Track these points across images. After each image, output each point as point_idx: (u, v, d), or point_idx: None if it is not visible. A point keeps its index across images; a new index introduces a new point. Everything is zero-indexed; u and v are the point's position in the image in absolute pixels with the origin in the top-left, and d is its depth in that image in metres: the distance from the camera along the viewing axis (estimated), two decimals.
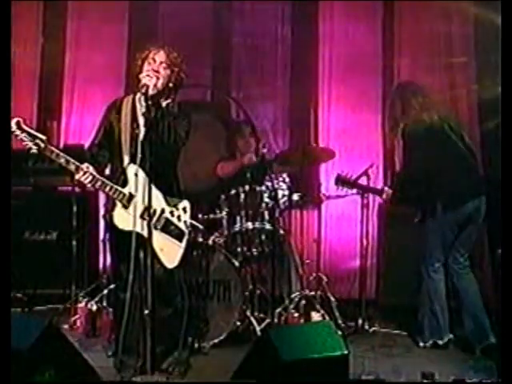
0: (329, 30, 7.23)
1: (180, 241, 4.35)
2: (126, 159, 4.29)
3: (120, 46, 7.05)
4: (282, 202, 5.74)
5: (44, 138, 4.01)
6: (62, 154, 4.07)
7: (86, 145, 4.75)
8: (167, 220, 4.31)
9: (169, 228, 4.32)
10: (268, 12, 7.32)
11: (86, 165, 4.13)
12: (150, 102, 4.11)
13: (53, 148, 4.03)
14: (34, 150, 3.95)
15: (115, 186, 4.22)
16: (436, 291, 5.24)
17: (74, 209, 5.84)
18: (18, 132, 3.94)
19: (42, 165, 6.08)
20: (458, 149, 5.23)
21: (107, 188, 4.19)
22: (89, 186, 4.18)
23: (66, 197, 6.07)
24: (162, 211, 4.30)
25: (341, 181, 5.67)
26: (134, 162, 4.13)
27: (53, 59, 7.10)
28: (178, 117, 4.38)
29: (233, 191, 5.67)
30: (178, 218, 4.37)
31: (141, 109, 4.26)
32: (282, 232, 5.74)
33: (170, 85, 4.34)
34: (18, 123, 3.95)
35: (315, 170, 7.05)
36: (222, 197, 5.72)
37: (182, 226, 4.38)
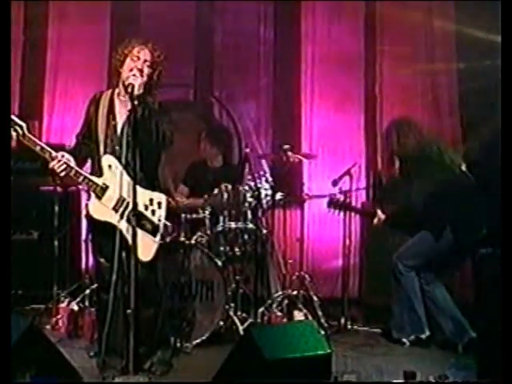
0: (311, 29, 7.26)
1: (154, 235, 4.29)
2: (102, 151, 4.30)
3: (102, 46, 6.99)
4: (264, 201, 5.73)
5: (23, 124, 3.99)
6: (38, 141, 4.06)
7: (68, 144, 4.75)
8: (140, 213, 4.18)
9: (141, 222, 4.20)
10: (250, 11, 7.34)
11: (61, 153, 4.12)
12: (136, 102, 4.06)
13: (30, 136, 4.01)
14: (13, 135, 3.92)
15: (89, 176, 4.21)
16: (413, 287, 5.29)
17: (56, 208, 5.81)
18: None
19: (23, 164, 6.05)
20: (462, 180, 5.27)
21: (81, 178, 4.18)
22: (62, 174, 4.14)
23: (47, 196, 6.04)
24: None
25: (333, 204, 5.71)
26: (109, 153, 4.21)
27: (34, 59, 7.10)
28: (161, 114, 4.35)
29: (215, 191, 5.64)
30: (152, 212, 4.31)
31: (120, 104, 4.30)
32: (264, 231, 5.74)
33: (152, 83, 4.32)
34: None
35: (298, 169, 7.05)
36: (205, 196, 5.70)
37: (155, 220, 4.32)
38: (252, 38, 7.35)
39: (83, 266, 5.96)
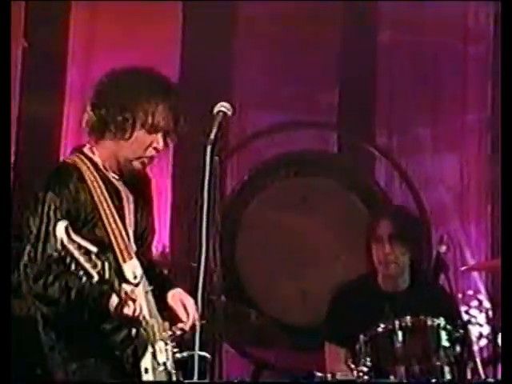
0: None
1: None
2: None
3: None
4: (477, 347, 5.82)
5: None
6: None
7: None
8: None
9: None
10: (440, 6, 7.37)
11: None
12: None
13: None
14: None
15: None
16: None
17: None
18: None
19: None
20: None
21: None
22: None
23: None
24: None
25: None
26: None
27: (44, 79, 7.30)
28: None
29: (381, 327, 5.45)
30: None
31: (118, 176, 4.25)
32: None
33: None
34: None
35: None
36: (361, 337, 5.52)
37: None
38: (442, 50, 7.57)
39: None
